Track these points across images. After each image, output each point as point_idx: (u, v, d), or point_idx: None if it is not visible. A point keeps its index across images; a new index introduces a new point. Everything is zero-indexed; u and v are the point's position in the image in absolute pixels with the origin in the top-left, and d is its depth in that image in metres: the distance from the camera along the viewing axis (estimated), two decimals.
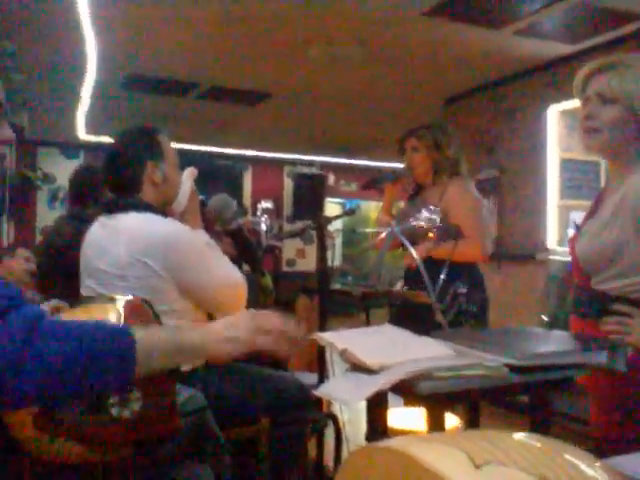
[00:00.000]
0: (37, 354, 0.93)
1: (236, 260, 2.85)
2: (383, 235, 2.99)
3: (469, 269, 2.82)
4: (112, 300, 1.47)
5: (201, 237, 2.10)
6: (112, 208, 2.05)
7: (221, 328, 1.18)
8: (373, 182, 3.33)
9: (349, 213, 3.88)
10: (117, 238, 1.94)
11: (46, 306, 1.63)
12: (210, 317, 2.12)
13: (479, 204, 3.01)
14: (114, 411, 1.25)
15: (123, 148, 2.13)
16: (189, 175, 2.22)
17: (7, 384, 0.91)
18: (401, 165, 3.19)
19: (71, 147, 8.47)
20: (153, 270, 1.89)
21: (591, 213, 1.73)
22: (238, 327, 1.17)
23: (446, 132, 3.08)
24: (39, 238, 7.61)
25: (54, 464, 1.28)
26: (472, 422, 1.79)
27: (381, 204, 3.39)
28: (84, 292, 2.05)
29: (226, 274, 2.06)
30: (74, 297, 2.05)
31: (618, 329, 1.50)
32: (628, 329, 1.49)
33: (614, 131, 1.60)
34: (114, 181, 2.12)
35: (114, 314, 1.38)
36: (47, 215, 7.99)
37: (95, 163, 3.26)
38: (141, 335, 1.06)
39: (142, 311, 1.48)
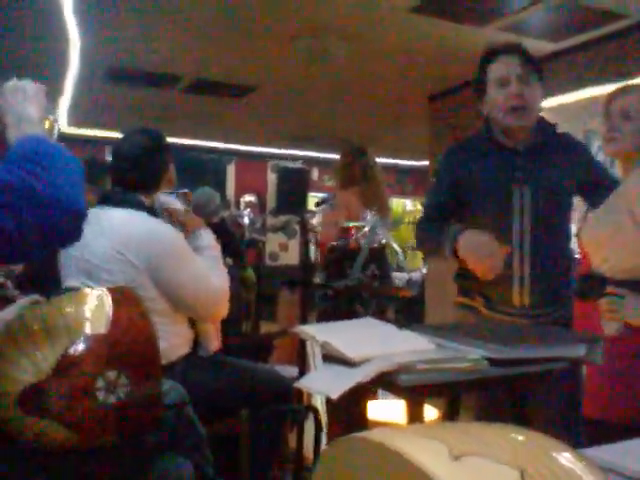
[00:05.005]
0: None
1: None
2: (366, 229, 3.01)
3: None
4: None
5: (206, 239, 2.13)
6: (109, 201, 2.04)
7: None
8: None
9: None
10: (100, 231, 1.93)
11: (25, 300, 1.60)
12: (191, 321, 2.11)
13: None
14: (100, 396, 1.25)
15: (152, 146, 2.11)
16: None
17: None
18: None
19: None
20: (133, 265, 1.88)
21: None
22: None
23: None
24: None
25: (36, 449, 1.27)
26: (451, 415, 1.80)
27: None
28: (67, 282, 2.03)
29: (206, 278, 2.01)
30: (52, 285, 2.04)
31: (611, 308, 1.72)
32: (620, 307, 1.71)
33: (630, 142, 1.88)
34: (132, 177, 2.07)
35: (102, 299, 1.37)
36: None
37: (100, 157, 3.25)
38: None
39: (131, 296, 1.47)
